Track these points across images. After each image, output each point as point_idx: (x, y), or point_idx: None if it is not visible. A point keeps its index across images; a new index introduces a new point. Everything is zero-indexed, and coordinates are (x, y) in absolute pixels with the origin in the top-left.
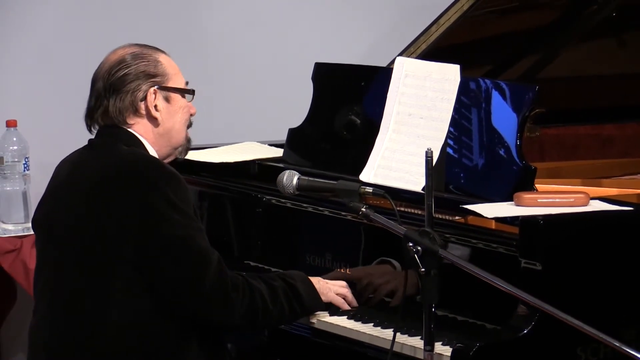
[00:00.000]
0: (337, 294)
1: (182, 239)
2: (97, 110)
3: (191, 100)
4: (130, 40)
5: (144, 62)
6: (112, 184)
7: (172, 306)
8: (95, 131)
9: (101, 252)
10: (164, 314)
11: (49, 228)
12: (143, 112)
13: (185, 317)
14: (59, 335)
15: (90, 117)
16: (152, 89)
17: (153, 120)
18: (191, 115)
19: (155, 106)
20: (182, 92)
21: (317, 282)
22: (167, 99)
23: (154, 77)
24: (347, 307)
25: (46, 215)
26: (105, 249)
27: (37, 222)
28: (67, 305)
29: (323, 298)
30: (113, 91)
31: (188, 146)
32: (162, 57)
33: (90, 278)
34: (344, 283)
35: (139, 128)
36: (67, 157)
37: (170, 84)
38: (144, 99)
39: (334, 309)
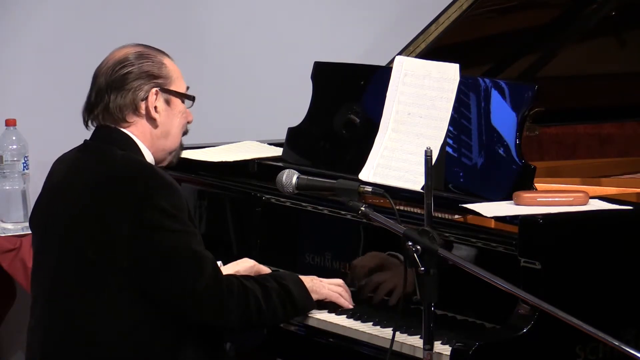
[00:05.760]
0: (332, 291)
1: (176, 247)
2: (97, 105)
3: (190, 107)
4: (129, 40)
5: (148, 62)
6: (105, 191)
7: (167, 311)
8: (91, 127)
9: (94, 258)
10: (158, 318)
11: (44, 229)
12: (143, 111)
13: (180, 320)
14: (54, 338)
15: (88, 112)
16: (153, 90)
17: (152, 121)
18: (188, 122)
19: (155, 107)
20: (183, 96)
21: (311, 280)
22: (167, 102)
23: (157, 78)
24: (343, 301)
25: (42, 217)
26: (97, 255)
27: (34, 222)
28: (62, 308)
29: (315, 296)
30: (115, 88)
31: (180, 152)
32: (166, 60)
33: (84, 281)
34: (340, 281)
35: (137, 128)
36: (62, 156)
37: (172, 88)
38: (145, 98)
39: (332, 307)
